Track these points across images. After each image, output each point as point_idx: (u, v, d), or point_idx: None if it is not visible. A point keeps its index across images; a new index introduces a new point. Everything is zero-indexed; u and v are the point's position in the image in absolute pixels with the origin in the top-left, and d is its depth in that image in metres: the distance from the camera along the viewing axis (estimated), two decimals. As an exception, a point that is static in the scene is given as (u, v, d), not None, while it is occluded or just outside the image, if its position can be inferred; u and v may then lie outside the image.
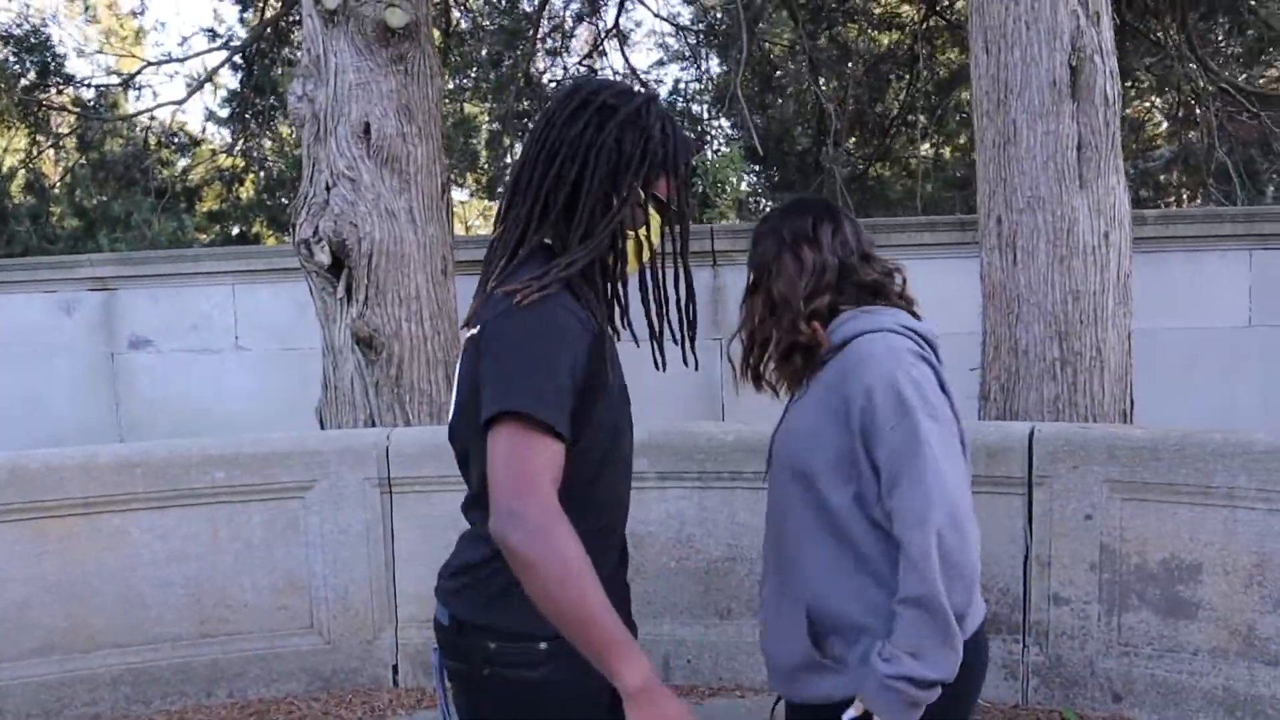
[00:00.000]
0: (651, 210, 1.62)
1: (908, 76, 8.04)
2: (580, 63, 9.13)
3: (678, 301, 1.70)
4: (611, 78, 1.69)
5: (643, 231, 1.62)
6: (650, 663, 1.32)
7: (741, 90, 6.73)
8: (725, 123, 9.25)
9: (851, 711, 1.53)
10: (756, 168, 6.34)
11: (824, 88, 8.10)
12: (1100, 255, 3.50)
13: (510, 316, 1.44)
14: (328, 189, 3.69)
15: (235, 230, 9.62)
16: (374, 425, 3.78)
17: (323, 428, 3.98)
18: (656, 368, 1.66)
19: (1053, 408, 3.48)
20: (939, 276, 5.57)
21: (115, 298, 6.31)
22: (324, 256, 3.69)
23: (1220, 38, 7.58)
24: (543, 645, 1.44)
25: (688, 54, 9.25)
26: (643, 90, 1.65)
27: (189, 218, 9.58)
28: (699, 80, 9.29)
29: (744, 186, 6.37)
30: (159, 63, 8.99)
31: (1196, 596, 2.55)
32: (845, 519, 1.60)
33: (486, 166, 9.29)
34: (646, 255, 1.64)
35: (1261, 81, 7.47)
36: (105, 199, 8.92)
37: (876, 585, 1.58)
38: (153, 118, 9.05)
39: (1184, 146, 7.79)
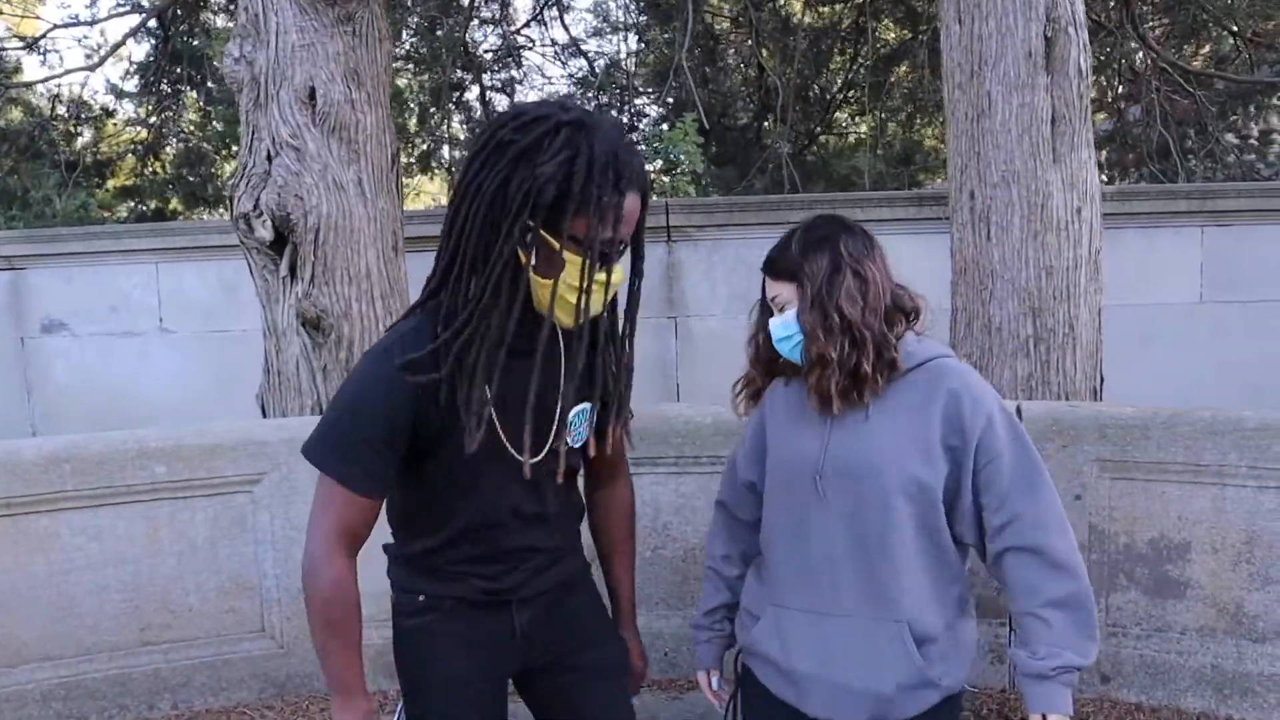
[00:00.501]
0: (570, 254, 1.56)
1: (851, 52, 8.01)
2: (517, 31, 8.89)
3: (612, 360, 1.74)
4: (550, 98, 1.55)
5: (563, 279, 1.57)
6: (368, 705, 1.67)
7: (686, 63, 6.59)
8: (655, 97, 9.13)
9: None
10: (701, 141, 6.21)
11: (767, 62, 8.00)
12: (1073, 230, 3.45)
13: (352, 369, 1.67)
14: (269, 159, 3.44)
15: (151, 206, 9.14)
16: (321, 412, 3.54)
17: (265, 415, 3.74)
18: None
19: (1025, 385, 3.45)
20: (899, 253, 5.49)
21: (23, 278, 5.91)
22: (265, 232, 3.44)
23: (1156, 17, 7.68)
24: (421, 598, 1.78)
25: (630, 24, 9.08)
26: (569, 113, 1.56)
27: (98, 193, 9.09)
28: (639, 53, 9.15)
29: (699, 161, 6.23)
30: (65, 25, 8.47)
31: (1185, 575, 2.52)
32: (945, 535, 1.75)
33: (418, 141, 8.99)
34: (588, 303, 1.58)
35: (1196, 63, 7.57)
36: (2, 173, 8.39)
37: (957, 598, 1.78)
38: (59, 85, 8.55)
39: (1121, 124, 7.88)
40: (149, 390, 5.85)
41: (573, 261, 1.56)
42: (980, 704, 2.57)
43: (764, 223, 5.61)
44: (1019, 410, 2.60)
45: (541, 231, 1.55)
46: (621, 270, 1.65)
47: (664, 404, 2.91)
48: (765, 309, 1.96)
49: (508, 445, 1.65)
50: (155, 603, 2.70)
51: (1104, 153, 8.01)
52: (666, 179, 6.44)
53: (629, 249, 1.68)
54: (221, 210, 9.15)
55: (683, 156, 5.98)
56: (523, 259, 1.56)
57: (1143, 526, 2.54)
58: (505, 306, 1.57)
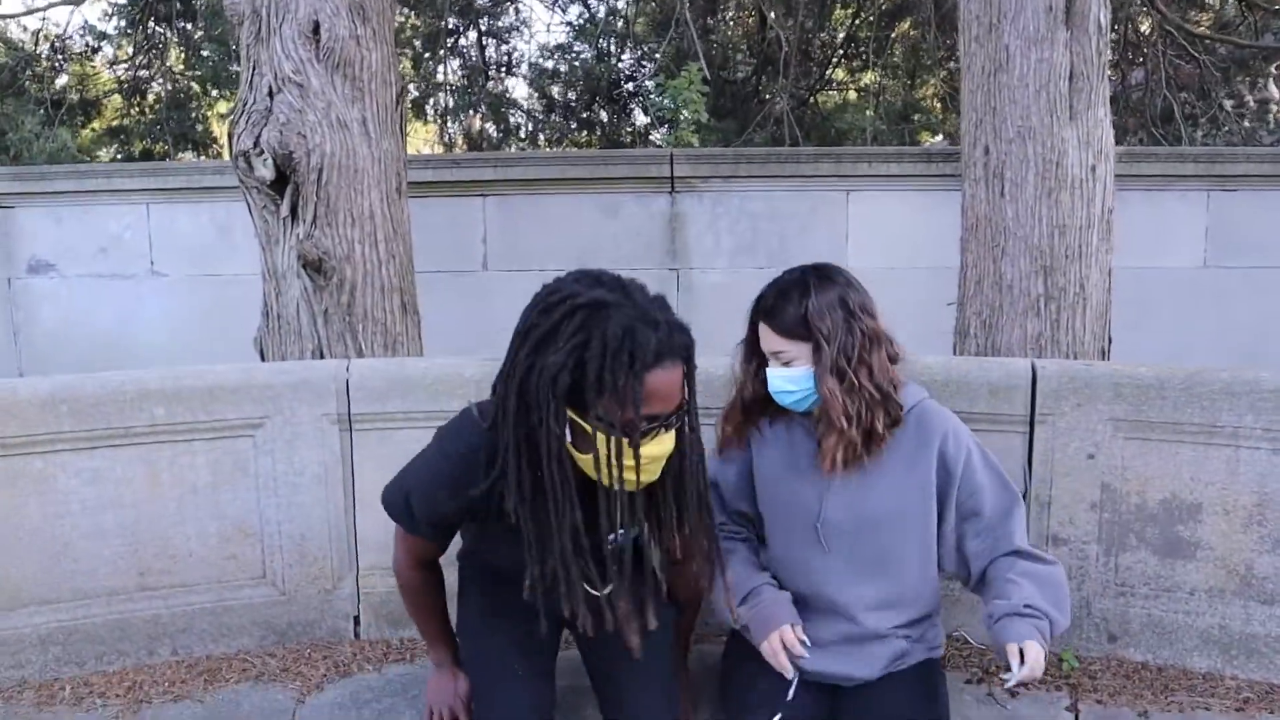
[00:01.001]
0: (600, 434, 1.68)
1: (854, 6, 7.88)
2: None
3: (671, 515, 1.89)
4: (588, 273, 1.75)
5: (586, 458, 1.74)
6: (444, 654, 2.23)
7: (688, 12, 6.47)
8: (656, 48, 9.00)
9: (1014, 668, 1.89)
10: (705, 90, 6.11)
11: (769, 14, 7.87)
12: (1087, 189, 3.40)
13: (430, 448, 2.02)
14: (271, 95, 3.32)
15: (139, 148, 8.96)
16: (322, 357, 3.48)
17: (263, 359, 3.66)
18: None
19: (1035, 345, 3.41)
20: (904, 209, 5.49)
21: (10, 217, 5.79)
22: (266, 171, 3.33)
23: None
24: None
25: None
26: (591, 291, 1.68)
27: (83, 132, 8.90)
28: (639, 1, 8.98)
29: (703, 111, 6.14)
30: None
31: (1195, 536, 2.51)
32: (933, 543, 2.11)
33: (413, 87, 8.83)
34: (619, 478, 1.70)
35: (1202, 28, 7.49)
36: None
37: (936, 588, 2.21)
38: (43, 19, 8.33)
39: (1124, 88, 7.81)
40: (139, 334, 5.76)
41: (600, 441, 1.68)
42: (989, 661, 2.57)
43: (769, 175, 5.54)
44: (1034, 368, 2.58)
45: (570, 413, 1.69)
46: (667, 441, 1.74)
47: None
48: (756, 355, 2.11)
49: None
50: (154, 548, 2.65)
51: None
52: (667, 130, 6.35)
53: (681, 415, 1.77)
54: (214, 150, 8.98)
55: (686, 106, 5.89)
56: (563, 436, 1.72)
57: (1155, 487, 2.52)
58: (552, 485, 1.73)
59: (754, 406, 2.14)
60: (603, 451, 1.68)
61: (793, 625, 2.08)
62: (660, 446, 1.72)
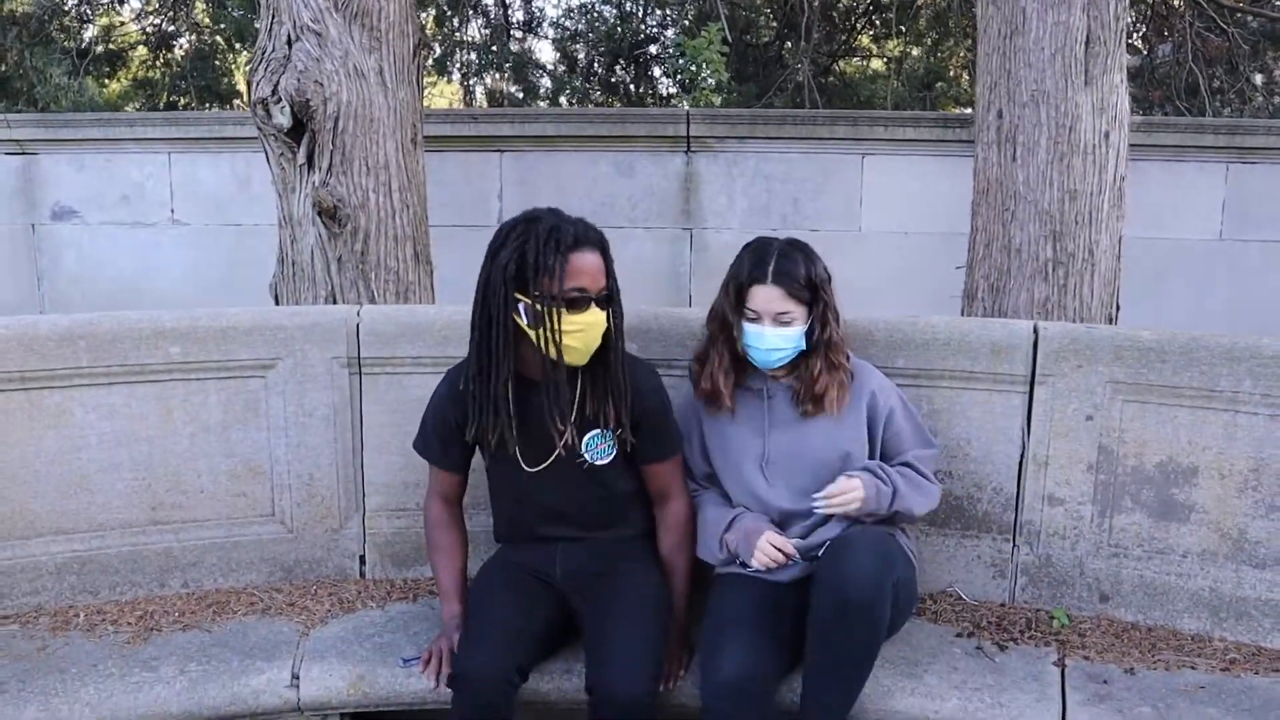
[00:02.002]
0: (543, 308, 2.16)
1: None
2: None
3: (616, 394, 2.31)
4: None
5: (550, 326, 2.17)
6: (450, 609, 2.39)
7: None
8: (679, 10, 8.94)
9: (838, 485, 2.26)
10: (725, 51, 6.08)
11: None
12: (1099, 155, 3.40)
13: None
14: (289, 43, 3.35)
15: (164, 100, 9.00)
16: (334, 303, 3.56)
17: (278, 305, 3.72)
18: None
19: (1042, 309, 3.43)
20: (919, 174, 5.46)
21: (35, 163, 5.86)
22: (283, 118, 3.38)
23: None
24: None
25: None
26: (526, 215, 2.24)
27: (109, 84, 8.94)
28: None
29: (723, 71, 6.12)
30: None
31: (1190, 500, 2.53)
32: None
33: (436, 44, 8.82)
34: (559, 341, 2.17)
35: (1232, 1, 7.37)
36: (10, 62, 8.22)
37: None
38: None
39: (1150, 60, 7.72)
40: (159, 282, 5.84)
41: (546, 312, 2.16)
42: (980, 616, 2.61)
43: (785, 137, 5.54)
44: (1035, 329, 2.59)
45: (518, 295, 2.18)
46: (597, 315, 2.19)
47: (681, 308, 2.91)
48: (741, 317, 2.35)
49: (521, 458, 2.33)
50: (167, 483, 2.72)
51: (1131, 90, 7.84)
52: (687, 94, 6.34)
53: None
54: (238, 105, 9.02)
55: (706, 67, 5.87)
56: (518, 321, 2.21)
57: (1152, 450, 2.54)
58: (509, 360, 2.23)
59: (731, 371, 2.40)
60: (545, 321, 2.16)
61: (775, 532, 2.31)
62: (592, 316, 2.18)
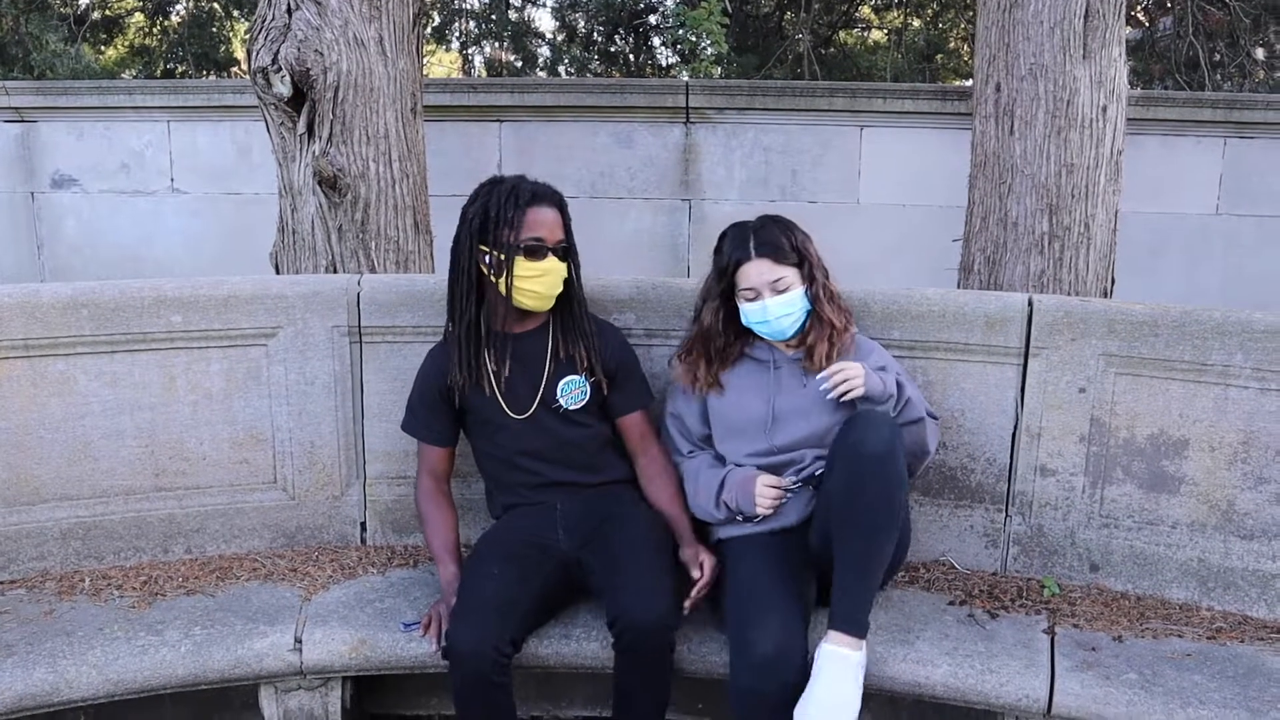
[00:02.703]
0: (505, 256, 2.37)
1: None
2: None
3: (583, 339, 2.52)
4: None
5: (509, 273, 2.37)
6: (447, 572, 2.44)
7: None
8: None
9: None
10: (725, 22, 6.06)
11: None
12: (1097, 129, 3.41)
13: None
14: (289, 12, 3.33)
15: (160, 68, 8.95)
16: (335, 272, 3.58)
17: (279, 274, 3.73)
18: None
19: (1038, 282, 3.46)
20: (918, 146, 5.47)
21: (34, 131, 5.84)
22: (283, 87, 3.37)
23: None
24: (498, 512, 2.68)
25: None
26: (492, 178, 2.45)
27: (106, 50, 8.88)
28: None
29: (723, 42, 6.10)
30: None
31: (1181, 472, 2.57)
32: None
33: (435, 13, 8.77)
34: (512, 285, 2.38)
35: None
36: (4, 29, 8.15)
37: None
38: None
39: (1150, 34, 7.68)
40: (159, 251, 5.84)
41: (507, 261, 2.36)
42: (972, 585, 2.65)
43: (785, 109, 5.54)
44: (1030, 302, 2.62)
45: (482, 246, 2.39)
46: (555, 265, 2.38)
47: (679, 279, 2.92)
48: (727, 302, 2.43)
49: (504, 405, 2.47)
50: (170, 450, 2.75)
51: (1130, 63, 7.82)
52: (685, 65, 6.31)
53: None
54: (235, 73, 8.97)
55: (706, 37, 5.86)
56: (484, 270, 2.41)
57: (1144, 422, 2.58)
58: (471, 305, 2.43)
59: (725, 351, 2.47)
60: (505, 270, 2.36)
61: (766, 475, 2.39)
62: (549, 264, 2.37)
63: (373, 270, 3.59)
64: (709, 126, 5.61)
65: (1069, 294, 3.39)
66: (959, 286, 3.78)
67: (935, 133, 5.38)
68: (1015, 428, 2.67)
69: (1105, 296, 3.50)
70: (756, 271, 2.35)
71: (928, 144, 5.42)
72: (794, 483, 2.36)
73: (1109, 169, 3.48)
